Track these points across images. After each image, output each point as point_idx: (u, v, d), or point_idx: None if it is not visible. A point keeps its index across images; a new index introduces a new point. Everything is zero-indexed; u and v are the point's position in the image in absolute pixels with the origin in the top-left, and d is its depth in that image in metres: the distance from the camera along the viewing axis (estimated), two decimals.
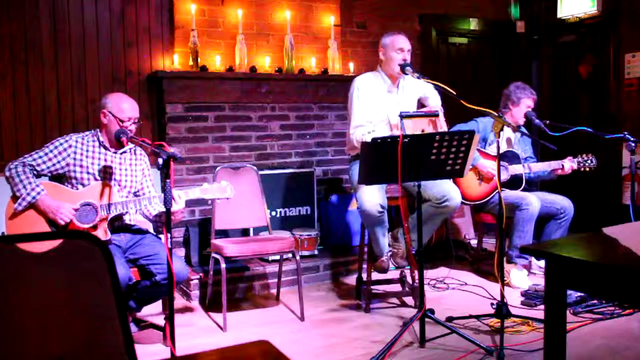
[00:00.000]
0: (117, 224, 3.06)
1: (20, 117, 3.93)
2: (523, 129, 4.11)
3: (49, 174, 2.98)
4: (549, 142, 3.85)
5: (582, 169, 4.07)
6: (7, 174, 2.87)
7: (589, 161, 4.06)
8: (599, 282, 1.75)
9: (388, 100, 3.64)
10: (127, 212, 3.03)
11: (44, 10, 3.97)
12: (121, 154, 3.10)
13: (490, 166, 4.08)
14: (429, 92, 3.83)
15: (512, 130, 4.19)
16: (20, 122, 3.93)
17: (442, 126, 3.54)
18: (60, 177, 2.99)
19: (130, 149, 3.14)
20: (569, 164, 4.06)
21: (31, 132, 3.96)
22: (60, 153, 2.96)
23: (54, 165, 2.94)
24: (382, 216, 3.40)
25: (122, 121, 2.98)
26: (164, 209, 2.93)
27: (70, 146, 2.98)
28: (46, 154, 2.94)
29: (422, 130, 3.42)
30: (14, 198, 2.85)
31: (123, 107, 3.00)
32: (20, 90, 3.93)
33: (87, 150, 3.01)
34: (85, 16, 4.10)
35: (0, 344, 1.24)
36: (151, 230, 3.29)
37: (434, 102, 3.81)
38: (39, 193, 2.83)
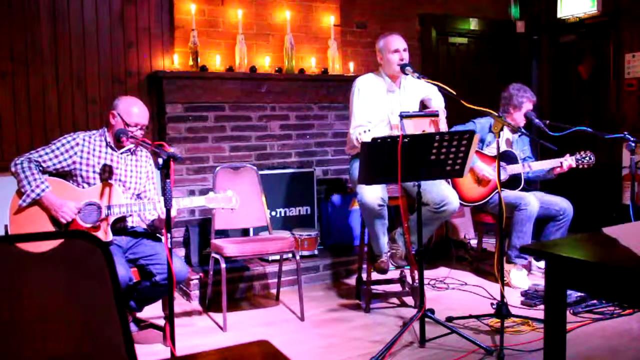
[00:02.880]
0: (120, 226, 3.06)
1: (20, 117, 3.93)
2: (522, 129, 4.11)
3: (54, 171, 2.96)
4: (549, 142, 3.85)
5: (581, 166, 4.07)
6: (13, 169, 2.86)
7: (587, 158, 4.05)
8: (599, 282, 1.75)
9: (389, 100, 3.64)
10: (130, 215, 3.03)
11: (44, 10, 3.97)
12: (127, 155, 3.10)
13: (486, 169, 4.08)
14: (432, 94, 3.82)
15: (512, 132, 4.19)
16: (20, 122, 3.93)
17: (443, 128, 3.54)
18: (64, 175, 2.99)
19: (136, 150, 3.14)
20: (567, 162, 4.06)
21: (31, 132, 3.96)
22: (67, 151, 2.95)
23: (60, 162, 2.94)
24: (382, 210, 3.39)
25: (129, 125, 2.98)
26: (155, 217, 2.97)
27: (77, 144, 2.98)
28: (53, 151, 2.93)
29: (424, 131, 3.42)
30: (19, 193, 2.85)
31: (132, 112, 3.00)
32: (20, 90, 3.93)
33: (94, 149, 3.01)
34: (85, 16, 4.10)
35: (0, 343, 1.24)
36: None
37: (437, 103, 3.80)
38: (43, 190, 2.82)
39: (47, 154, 2.92)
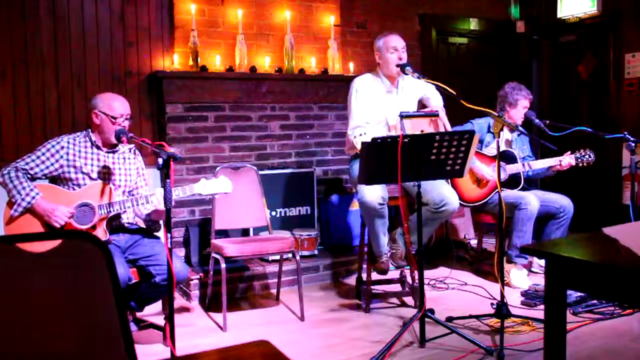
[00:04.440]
0: (115, 224, 3.05)
1: (20, 117, 3.93)
2: (521, 128, 4.10)
3: (43, 177, 2.96)
4: (549, 142, 3.85)
5: (581, 164, 4.06)
6: (1, 179, 2.85)
7: (587, 156, 4.05)
8: (599, 282, 1.75)
9: (387, 101, 3.64)
10: (124, 211, 3.03)
11: (44, 10, 3.97)
12: (114, 153, 3.09)
13: (484, 170, 4.08)
14: (430, 93, 3.82)
15: (510, 131, 4.19)
16: (20, 122, 3.93)
17: (445, 123, 3.54)
18: (54, 180, 2.98)
19: (131, 148, 3.14)
20: (567, 160, 4.05)
21: (31, 132, 3.96)
22: (52, 155, 2.94)
23: (47, 167, 2.93)
24: (383, 209, 3.39)
25: (115, 118, 2.98)
26: (150, 210, 3.00)
27: (62, 147, 2.96)
28: (38, 157, 2.92)
29: (422, 131, 3.42)
30: (10, 204, 2.84)
31: (114, 106, 2.99)
32: (20, 90, 3.93)
33: (80, 151, 3.00)
34: (85, 16, 4.10)
35: (0, 344, 1.24)
36: None
37: (436, 102, 3.80)
38: (33, 197, 2.81)
39: (33, 160, 2.91)
